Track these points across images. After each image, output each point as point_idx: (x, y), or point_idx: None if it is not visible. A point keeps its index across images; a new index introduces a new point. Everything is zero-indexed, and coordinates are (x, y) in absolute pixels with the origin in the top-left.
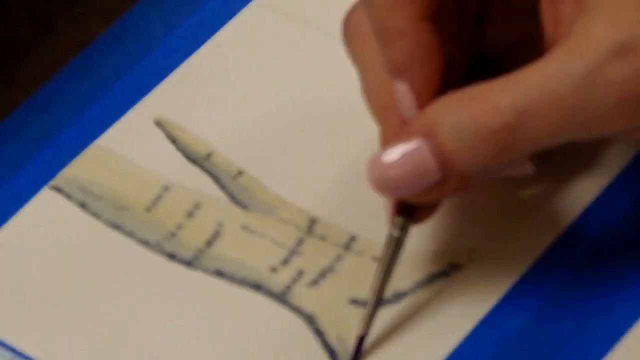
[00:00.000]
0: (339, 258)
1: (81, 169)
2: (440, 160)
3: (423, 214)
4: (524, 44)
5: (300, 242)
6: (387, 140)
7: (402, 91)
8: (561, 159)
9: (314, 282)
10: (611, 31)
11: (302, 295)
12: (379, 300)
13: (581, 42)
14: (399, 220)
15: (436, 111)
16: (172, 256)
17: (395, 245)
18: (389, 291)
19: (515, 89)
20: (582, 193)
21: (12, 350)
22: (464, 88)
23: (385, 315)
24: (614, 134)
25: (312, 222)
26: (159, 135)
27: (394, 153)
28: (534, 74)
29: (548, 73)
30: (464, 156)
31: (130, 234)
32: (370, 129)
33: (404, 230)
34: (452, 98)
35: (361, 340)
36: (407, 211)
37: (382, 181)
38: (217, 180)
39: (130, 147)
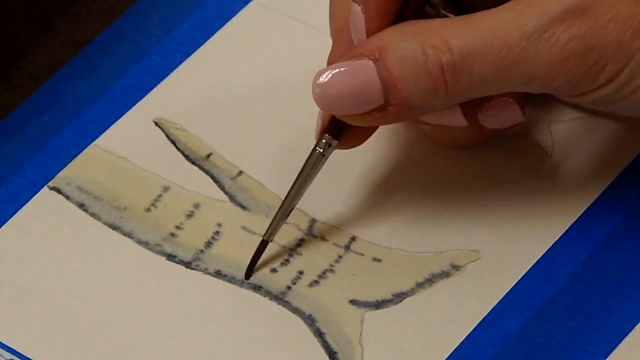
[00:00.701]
0: (339, 258)
1: (80, 169)
2: (386, 86)
3: (354, 139)
4: None
5: (300, 242)
6: (335, 58)
7: (356, 13)
8: (562, 161)
9: (314, 283)
10: None
11: (302, 296)
12: (288, 213)
13: None
14: (327, 138)
15: (388, 36)
16: (171, 257)
17: (316, 162)
18: (390, 291)
19: (467, 31)
20: (583, 194)
21: (12, 350)
22: (418, 20)
23: (386, 316)
24: (556, 93)
25: (312, 223)
26: (159, 135)
27: (340, 70)
28: (487, 18)
29: (500, 20)
30: (408, 84)
31: (129, 234)
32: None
33: (327, 148)
34: (406, 27)
35: (264, 245)
36: (336, 131)
37: (325, 98)
38: (216, 180)
39: (129, 147)
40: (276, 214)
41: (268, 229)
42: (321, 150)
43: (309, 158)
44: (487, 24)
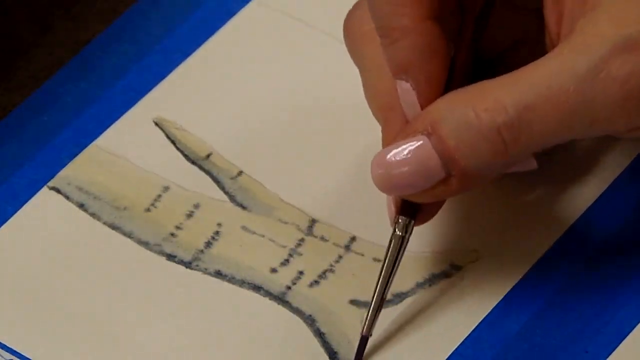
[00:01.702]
0: (339, 258)
1: (80, 169)
2: (444, 158)
3: (426, 214)
4: (526, 44)
5: (300, 242)
6: (390, 139)
7: (406, 90)
8: (562, 161)
9: (314, 283)
10: (615, 27)
11: (303, 296)
12: (382, 301)
13: (585, 38)
14: (403, 220)
15: (439, 108)
16: (171, 257)
17: (399, 245)
18: (390, 292)
19: (519, 86)
20: (583, 195)
21: (12, 350)
22: (466, 86)
23: (387, 316)
24: (617, 132)
25: (312, 223)
26: (159, 135)
27: (397, 151)
28: (537, 70)
29: (552, 69)
30: (467, 153)
31: (129, 234)
32: (370, 130)
33: (407, 230)
34: (455, 95)
35: (365, 341)
36: (411, 211)
37: (386, 180)
38: (216, 180)
39: (129, 147)
40: (370, 306)
41: (365, 322)
42: (401, 234)
43: (390, 243)
44: (537, 74)
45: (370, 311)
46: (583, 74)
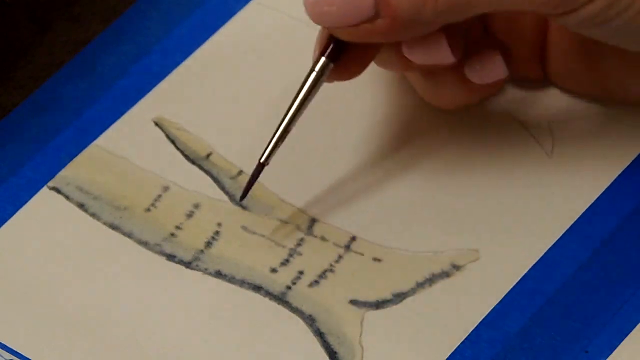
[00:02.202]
0: (339, 258)
1: (80, 169)
2: None
3: (347, 67)
4: None
5: (300, 242)
6: None
7: None
8: (562, 161)
9: (314, 283)
10: None
11: (303, 296)
12: (285, 134)
13: None
14: (324, 60)
15: None
16: (171, 257)
17: (312, 83)
18: (390, 291)
19: None
20: (583, 195)
21: (12, 350)
22: None
23: (387, 316)
24: (541, 5)
25: (312, 223)
26: (159, 135)
27: None
28: None
29: None
30: None
31: (129, 234)
32: (371, 130)
33: (323, 72)
34: None
35: (261, 167)
36: (332, 54)
37: (316, 5)
38: (216, 180)
39: (129, 147)
40: (273, 136)
41: (264, 151)
42: (316, 73)
43: (305, 80)
44: None
45: (272, 141)
46: None
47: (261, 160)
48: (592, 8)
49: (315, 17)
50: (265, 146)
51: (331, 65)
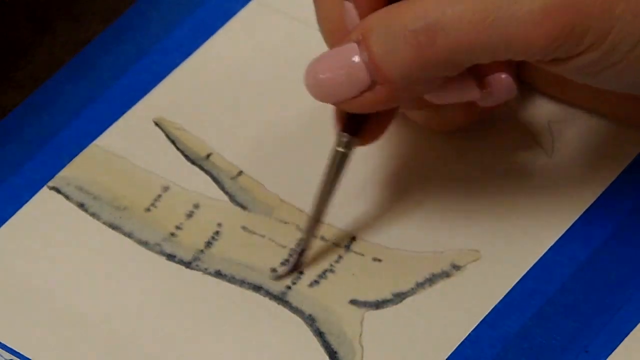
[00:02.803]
0: (339, 258)
1: (80, 169)
2: (368, 64)
3: (370, 134)
4: None
5: (300, 242)
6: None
7: (349, 9)
8: (562, 161)
9: (314, 283)
10: None
11: (303, 296)
12: (319, 217)
13: None
14: (345, 136)
15: (371, 18)
16: (171, 257)
17: (340, 162)
18: (390, 291)
19: None
20: (583, 194)
21: (12, 350)
22: (401, 0)
23: (387, 316)
24: (536, 55)
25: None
26: (159, 135)
27: (328, 56)
28: None
29: None
30: (387, 58)
31: (129, 234)
32: None
33: (349, 147)
34: (388, 8)
35: (301, 253)
36: (353, 127)
37: (315, 83)
38: (216, 180)
39: (129, 147)
40: (309, 221)
41: (300, 239)
42: (342, 150)
43: (331, 159)
44: None
45: (307, 228)
46: None
47: (302, 247)
48: (584, 59)
49: (318, 96)
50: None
51: (356, 140)
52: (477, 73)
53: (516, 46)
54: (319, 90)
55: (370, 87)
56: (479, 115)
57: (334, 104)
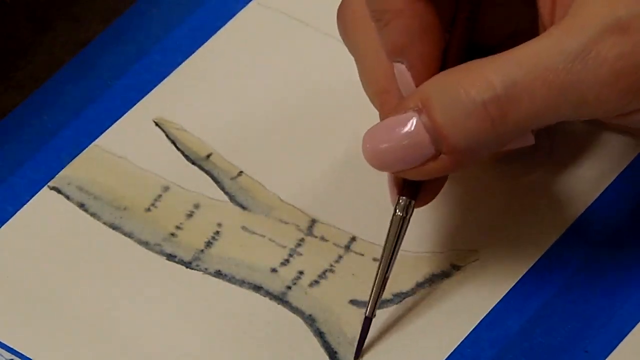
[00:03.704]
0: (339, 258)
1: (80, 169)
2: (432, 134)
3: (427, 195)
4: (521, 35)
5: (300, 242)
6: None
7: (402, 72)
8: (562, 161)
9: (314, 283)
10: (607, 8)
11: (303, 296)
12: (385, 282)
13: (576, 20)
14: (404, 200)
15: (430, 85)
16: (171, 257)
17: (400, 226)
18: (390, 291)
19: (508, 63)
20: (583, 195)
21: (12, 350)
22: (459, 65)
23: (386, 316)
24: (607, 116)
25: (312, 223)
26: (159, 135)
27: (388, 126)
28: (527, 49)
29: (541, 48)
30: (455, 129)
31: (129, 234)
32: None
33: (407, 211)
34: (447, 73)
35: (369, 322)
36: (410, 191)
37: (375, 154)
38: (216, 180)
39: (129, 147)
40: (373, 287)
41: (368, 304)
42: (401, 214)
43: (391, 224)
44: (526, 53)
45: (373, 293)
46: (573, 53)
47: (367, 315)
48: None
49: (379, 166)
50: (370, 294)
51: (413, 203)
52: None
53: (588, 107)
54: (379, 161)
55: (434, 157)
56: (493, 158)
57: (395, 174)
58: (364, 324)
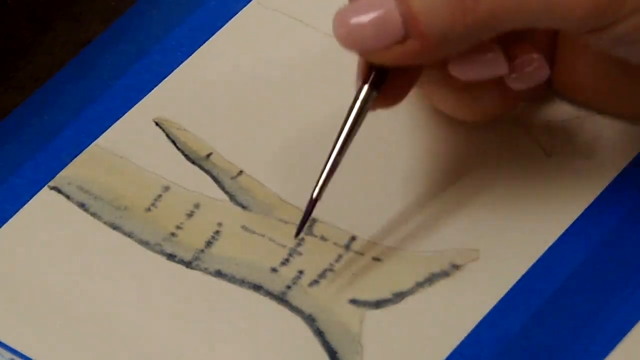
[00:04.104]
0: (339, 258)
1: (81, 169)
2: (404, 15)
3: (389, 94)
4: None
5: (300, 242)
6: None
7: None
8: (562, 161)
9: (314, 282)
10: None
11: (302, 295)
12: (334, 168)
13: None
14: (367, 88)
15: None
16: (171, 256)
17: (357, 115)
18: (390, 291)
19: None
20: (583, 194)
21: (12, 350)
22: None
23: (386, 315)
24: (576, 22)
25: (312, 222)
26: (159, 135)
27: (361, 2)
28: None
29: None
30: (426, 13)
31: (129, 234)
32: (370, 128)
33: (367, 100)
34: None
35: (314, 203)
36: (375, 82)
37: (344, 29)
38: (216, 180)
39: (130, 147)
40: (322, 171)
41: (315, 186)
42: (360, 104)
43: (350, 110)
44: None
45: (324, 175)
46: None
47: (313, 196)
48: (624, 25)
49: (346, 42)
50: (316, 178)
51: (375, 94)
52: (509, 54)
53: (558, 11)
54: (347, 36)
55: (402, 40)
56: (511, 103)
57: (360, 53)
58: (307, 204)
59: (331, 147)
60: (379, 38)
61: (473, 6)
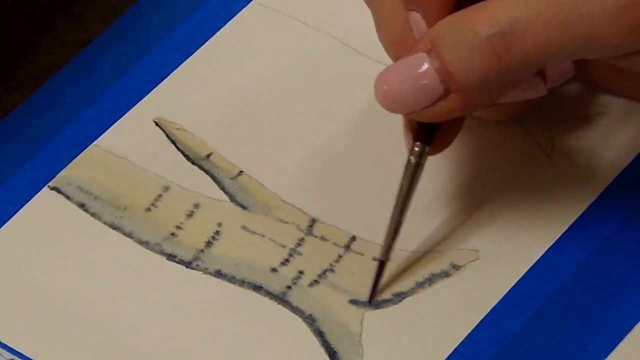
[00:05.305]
0: (339, 258)
1: (81, 169)
2: (441, 73)
3: (441, 142)
4: None
5: (300, 242)
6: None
7: (417, 20)
8: (562, 161)
9: (314, 282)
10: None
11: (303, 296)
12: (399, 228)
13: None
14: (418, 146)
15: (439, 26)
16: (171, 257)
17: (414, 171)
18: (390, 291)
19: (514, 1)
20: (583, 194)
21: (12, 350)
22: (468, 7)
23: (386, 315)
24: (613, 54)
25: (312, 222)
26: (159, 135)
27: (398, 68)
28: None
29: None
30: (462, 66)
31: (129, 234)
32: (371, 128)
33: (422, 157)
34: (456, 15)
35: (382, 265)
36: (425, 137)
37: (385, 95)
38: (216, 180)
39: (130, 147)
40: (387, 232)
41: (382, 249)
42: (414, 160)
43: (405, 169)
44: None
45: (386, 237)
46: None
47: (381, 259)
48: None
49: (390, 107)
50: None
51: (427, 148)
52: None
53: (593, 44)
54: (390, 102)
55: (443, 96)
56: (533, 102)
57: (405, 115)
58: (378, 268)
59: (393, 209)
60: (420, 98)
61: (506, 52)
